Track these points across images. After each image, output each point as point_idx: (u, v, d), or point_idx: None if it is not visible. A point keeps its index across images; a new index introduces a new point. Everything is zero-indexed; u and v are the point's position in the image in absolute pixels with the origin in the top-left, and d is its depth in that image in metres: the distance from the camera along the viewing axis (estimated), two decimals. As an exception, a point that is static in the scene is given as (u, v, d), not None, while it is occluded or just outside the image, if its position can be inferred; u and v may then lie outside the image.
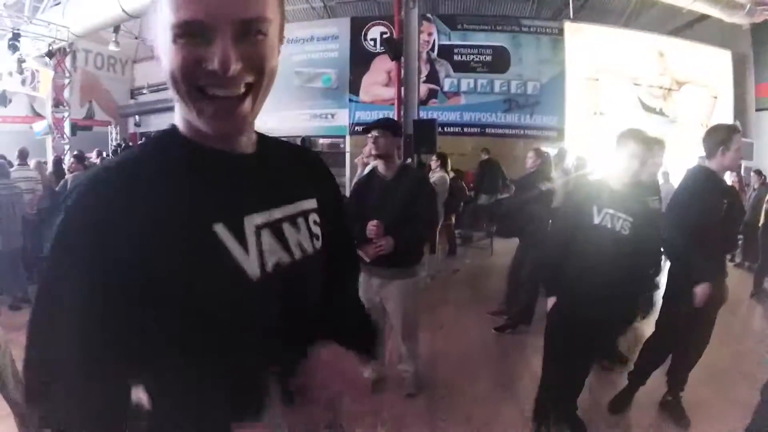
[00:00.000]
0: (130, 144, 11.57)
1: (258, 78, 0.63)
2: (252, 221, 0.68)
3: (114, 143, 12.29)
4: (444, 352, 3.68)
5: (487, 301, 4.64)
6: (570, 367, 2.38)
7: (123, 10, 8.55)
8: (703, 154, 2.66)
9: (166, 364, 0.63)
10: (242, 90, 0.62)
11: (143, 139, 11.98)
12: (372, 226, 2.44)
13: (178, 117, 0.69)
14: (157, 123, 12.77)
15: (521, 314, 4.22)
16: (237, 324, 0.65)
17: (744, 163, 10.34)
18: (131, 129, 13.69)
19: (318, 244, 0.79)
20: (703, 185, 2.61)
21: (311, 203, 0.80)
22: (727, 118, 11.49)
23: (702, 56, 11.76)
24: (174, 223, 0.60)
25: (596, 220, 2.20)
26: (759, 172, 7.57)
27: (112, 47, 10.65)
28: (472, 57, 10.54)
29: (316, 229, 0.79)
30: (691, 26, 11.23)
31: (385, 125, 2.63)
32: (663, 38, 11.48)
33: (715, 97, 11.82)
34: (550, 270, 2.42)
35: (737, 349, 3.75)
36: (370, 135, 2.63)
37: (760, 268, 5.55)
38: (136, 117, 13.61)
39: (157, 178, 0.62)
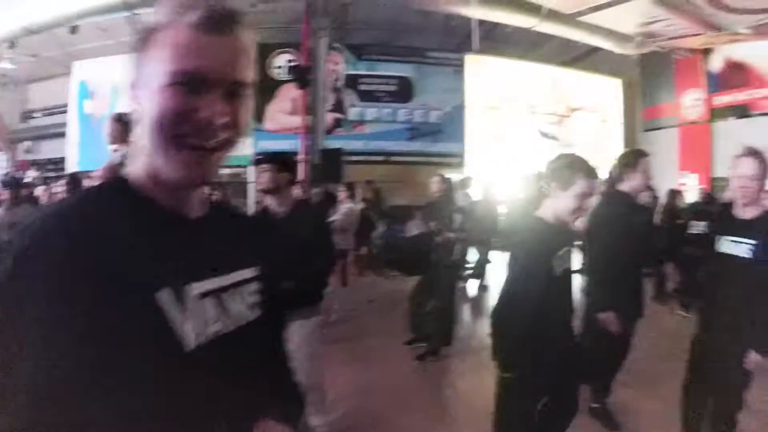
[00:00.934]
0: (20, 173, 11.15)
1: (235, 135, 0.71)
2: (195, 289, 0.72)
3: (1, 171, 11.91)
4: (368, 387, 3.78)
5: (407, 330, 4.78)
6: None
7: (23, 26, 8.80)
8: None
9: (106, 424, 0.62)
10: (219, 144, 0.70)
11: (34, 166, 12.03)
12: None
13: (137, 167, 0.73)
14: (51, 149, 12.77)
15: (439, 339, 4.53)
16: (172, 394, 0.66)
17: None
18: (20, 156, 13.10)
19: (257, 312, 0.83)
20: (614, 209, 3.03)
21: (253, 271, 0.85)
22: (617, 139, 13.56)
23: (595, 84, 13.86)
24: (116, 286, 0.63)
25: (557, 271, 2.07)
26: (650, 188, 9.05)
27: (5, 64, 10.62)
28: (377, 86, 11.67)
29: (257, 298, 0.84)
30: (584, 57, 13.18)
31: (271, 159, 2.67)
32: (557, 69, 13.36)
33: (606, 121, 13.90)
34: (517, 338, 2.03)
35: (658, 352, 4.20)
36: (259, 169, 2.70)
37: (658, 273, 6.46)
38: (28, 143, 13.36)
39: (104, 235, 0.65)
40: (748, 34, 10.48)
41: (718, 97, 12.68)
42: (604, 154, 13.17)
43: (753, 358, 2.31)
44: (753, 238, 2.36)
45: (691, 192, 10.07)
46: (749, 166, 2.36)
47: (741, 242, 2.41)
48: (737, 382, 2.43)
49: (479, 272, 7.42)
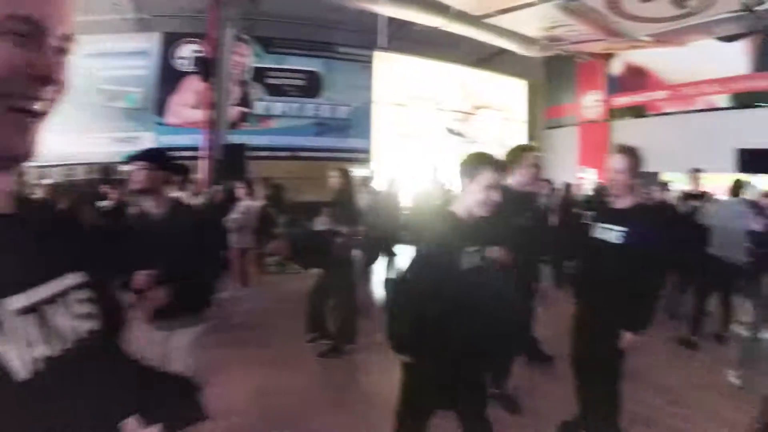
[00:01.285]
0: None
1: (60, 99, 0.63)
2: (9, 305, 0.60)
3: None
4: (273, 390, 3.79)
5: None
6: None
7: None
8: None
9: None
10: (46, 107, 0.62)
11: None
12: (138, 276, 2.29)
13: None
14: None
15: (342, 337, 4.62)
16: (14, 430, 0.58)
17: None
18: None
19: (93, 324, 0.74)
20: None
21: (79, 277, 0.74)
22: (521, 137, 14.69)
23: (500, 84, 14.81)
24: None
25: (465, 265, 2.19)
26: (548, 181, 9.93)
27: None
28: (285, 81, 11.87)
29: (89, 308, 0.74)
30: (492, 59, 14.10)
31: (144, 157, 2.52)
32: (465, 69, 14.19)
33: (510, 120, 14.96)
34: (406, 323, 2.21)
35: (556, 334, 4.32)
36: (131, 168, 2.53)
37: (554, 261, 6.82)
38: None
39: None
40: (647, 41, 11.46)
41: (617, 99, 14.04)
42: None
43: (627, 337, 2.60)
44: (624, 226, 2.66)
45: (589, 185, 11.12)
46: (619, 162, 2.71)
47: (613, 229, 2.71)
48: (612, 360, 2.70)
49: (386, 267, 7.55)
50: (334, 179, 5.01)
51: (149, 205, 2.55)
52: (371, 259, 7.91)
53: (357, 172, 8.55)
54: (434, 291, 2.09)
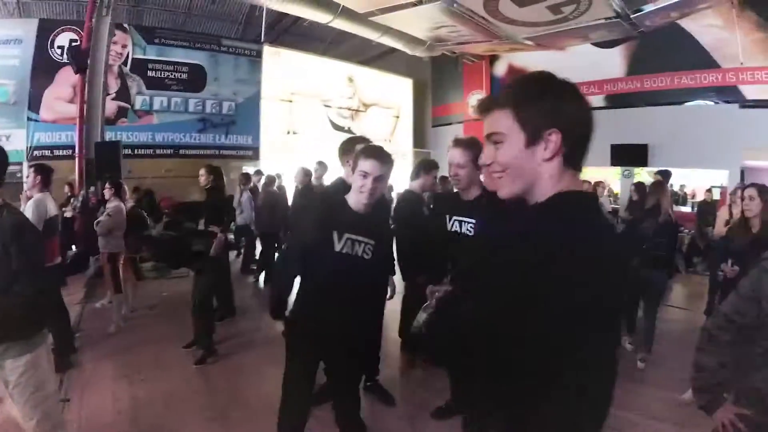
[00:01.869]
0: None
1: None
2: None
3: None
4: (147, 400, 3.86)
5: (191, 334, 4.89)
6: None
7: None
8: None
9: None
10: None
11: None
12: None
13: None
14: None
15: (203, 337, 4.74)
16: None
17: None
18: None
19: None
20: (407, 205, 3.72)
21: None
22: (407, 134, 15.90)
23: (388, 82, 15.91)
24: None
25: (337, 247, 2.42)
26: (444, 178, 10.88)
27: None
28: (167, 74, 11.83)
29: None
30: (380, 57, 15.10)
31: None
32: (354, 66, 15.09)
33: (397, 117, 16.13)
34: (279, 291, 2.66)
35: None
36: None
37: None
38: None
39: None
40: (528, 44, 12.60)
41: None
42: (396, 147, 15.58)
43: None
44: (473, 217, 2.80)
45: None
46: (456, 155, 2.80)
47: (465, 221, 2.85)
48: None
49: (265, 263, 7.92)
50: (202, 177, 5.18)
51: None
52: (251, 257, 8.67)
53: (243, 169, 9.26)
54: (307, 266, 2.46)
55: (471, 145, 2.85)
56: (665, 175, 7.70)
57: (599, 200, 1.26)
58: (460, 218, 2.92)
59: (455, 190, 3.13)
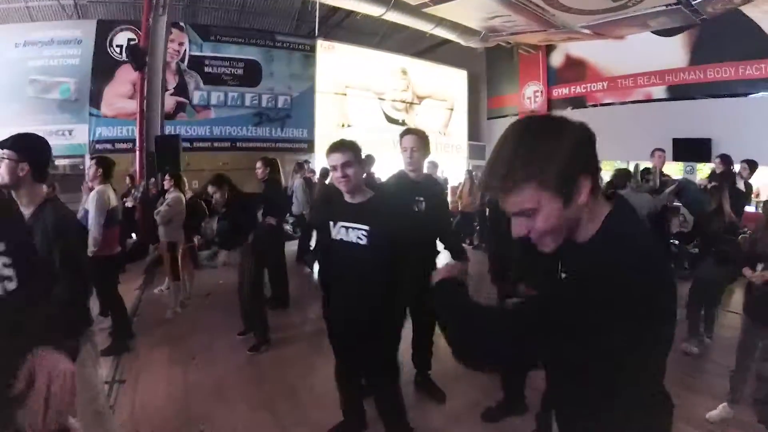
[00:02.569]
0: None
1: None
2: None
3: None
4: (199, 385, 3.92)
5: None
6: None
7: None
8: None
9: None
10: None
11: None
12: None
13: None
14: None
15: (258, 325, 4.76)
16: None
17: (476, 163, 14.67)
18: None
19: (11, 285, 1.05)
20: (395, 188, 3.46)
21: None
22: (462, 126, 15.73)
23: (442, 74, 15.81)
24: None
25: (334, 234, 2.71)
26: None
27: None
28: (223, 69, 12.21)
29: (7, 272, 1.04)
30: (433, 49, 14.97)
31: (8, 145, 2.16)
32: (407, 59, 15.08)
33: (451, 109, 15.98)
34: (321, 276, 2.98)
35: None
36: None
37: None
38: None
39: None
40: (585, 33, 12.25)
41: (557, 89, 15.22)
42: (450, 140, 15.43)
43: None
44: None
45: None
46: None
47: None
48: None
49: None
50: (259, 170, 5.29)
51: (21, 203, 2.22)
52: (306, 246, 8.69)
53: (299, 161, 9.36)
54: (318, 250, 2.80)
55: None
56: (726, 161, 6.93)
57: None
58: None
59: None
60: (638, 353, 1.04)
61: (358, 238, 2.62)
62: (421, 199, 3.42)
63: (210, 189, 4.99)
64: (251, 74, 12.61)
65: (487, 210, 7.68)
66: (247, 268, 4.77)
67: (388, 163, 6.24)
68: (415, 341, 3.73)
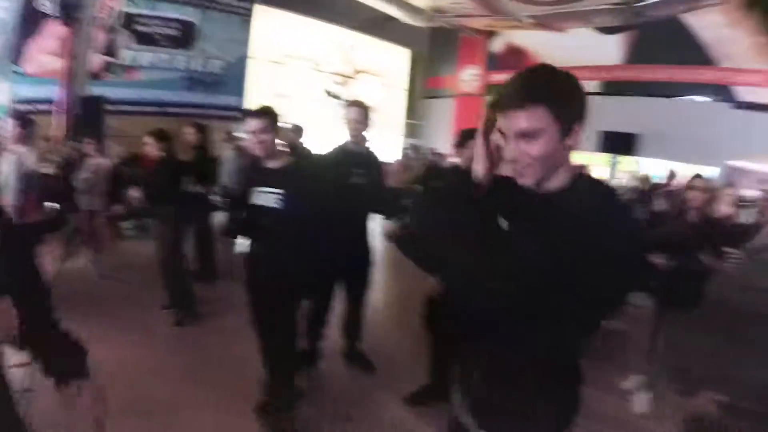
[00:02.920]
0: None
1: None
2: None
3: None
4: (129, 362, 3.77)
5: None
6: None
7: None
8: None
9: None
10: None
11: None
12: None
13: None
14: None
15: (179, 299, 4.71)
16: None
17: (412, 141, 15.13)
18: None
19: None
20: (326, 157, 3.60)
21: None
22: (399, 104, 16.04)
23: (384, 51, 15.99)
24: None
25: (255, 200, 2.81)
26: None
27: None
28: (157, 29, 11.58)
29: None
30: (378, 25, 15.04)
31: None
32: (349, 32, 15.08)
33: (390, 87, 16.29)
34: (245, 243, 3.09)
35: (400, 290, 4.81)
36: None
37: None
38: None
39: None
40: (529, 23, 12.82)
41: (495, 75, 15.70)
42: (387, 118, 15.70)
43: None
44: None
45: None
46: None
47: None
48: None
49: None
50: (191, 135, 5.23)
51: None
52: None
53: (229, 131, 9.32)
54: (243, 222, 2.93)
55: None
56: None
57: None
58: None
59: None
60: (604, 303, 1.25)
61: (275, 203, 2.68)
62: (361, 171, 3.49)
63: (147, 139, 4.80)
64: (186, 36, 12.05)
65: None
66: (169, 238, 4.68)
67: (322, 136, 6.51)
68: (346, 314, 3.84)
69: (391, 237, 3.44)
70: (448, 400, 2.89)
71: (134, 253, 7.01)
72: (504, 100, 1.25)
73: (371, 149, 3.78)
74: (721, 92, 11.91)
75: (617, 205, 1.33)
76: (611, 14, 11.45)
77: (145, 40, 11.60)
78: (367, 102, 3.93)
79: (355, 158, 3.55)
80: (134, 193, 5.49)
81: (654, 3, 10.63)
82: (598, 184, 1.35)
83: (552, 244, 1.15)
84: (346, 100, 3.80)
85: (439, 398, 3.13)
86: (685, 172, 12.57)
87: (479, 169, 1.29)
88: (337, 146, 3.71)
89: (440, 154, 12.32)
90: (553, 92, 1.22)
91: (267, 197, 2.74)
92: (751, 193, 8.40)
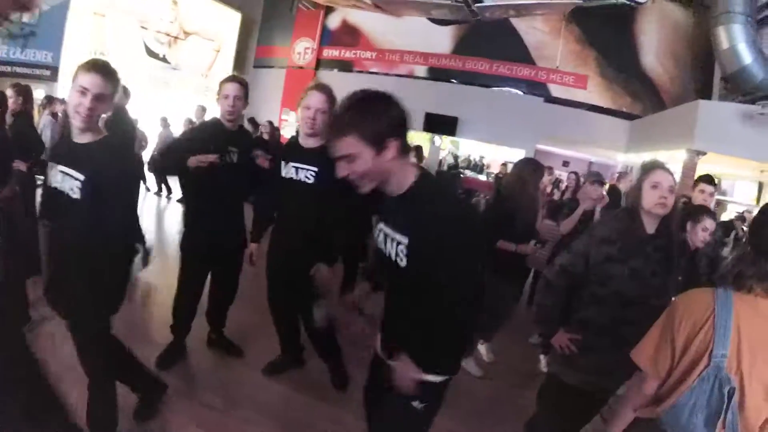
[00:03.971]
0: None
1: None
2: None
3: None
4: None
5: None
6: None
7: None
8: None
9: None
10: None
11: None
12: None
13: None
14: None
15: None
16: None
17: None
18: None
19: None
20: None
21: None
22: (227, 71, 15.90)
23: (215, 12, 15.74)
24: None
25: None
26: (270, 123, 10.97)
27: None
28: None
29: None
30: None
31: None
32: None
33: (218, 51, 16.17)
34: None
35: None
36: None
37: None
38: None
39: None
40: (367, 3, 13.47)
41: (328, 50, 16.60)
42: (212, 84, 15.65)
43: (323, 271, 2.89)
44: (314, 165, 2.90)
45: (292, 127, 14.07)
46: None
47: (303, 168, 2.94)
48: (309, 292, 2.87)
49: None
50: (11, 99, 4.50)
51: None
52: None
53: (48, 95, 8.72)
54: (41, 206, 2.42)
55: (332, 93, 2.94)
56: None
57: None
58: (298, 165, 2.96)
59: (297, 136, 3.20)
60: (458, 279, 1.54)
61: (70, 189, 2.11)
62: (234, 149, 3.35)
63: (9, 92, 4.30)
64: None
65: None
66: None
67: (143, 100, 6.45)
68: (211, 300, 3.71)
69: None
70: (298, 366, 3.52)
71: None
72: (329, 129, 1.66)
73: (243, 126, 3.73)
74: (537, 88, 14.62)
75: (448, 200, 1.69)
76: (450, 10, 12.80)
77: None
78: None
79: (229, 136, 3.38)
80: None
81: (490, 6, 12.25)
82: (435, 184, 1.73)
83: (408, 235, 1.59)
84: (228, 75, 3.59)
85: (291, 365, 3.60)
86: (496, 154, 16.37)
87: None
88: (208, 122, 3.69)
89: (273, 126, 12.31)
90: (361, 121, 1.50)
91: (62, 178, 2.14)
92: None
